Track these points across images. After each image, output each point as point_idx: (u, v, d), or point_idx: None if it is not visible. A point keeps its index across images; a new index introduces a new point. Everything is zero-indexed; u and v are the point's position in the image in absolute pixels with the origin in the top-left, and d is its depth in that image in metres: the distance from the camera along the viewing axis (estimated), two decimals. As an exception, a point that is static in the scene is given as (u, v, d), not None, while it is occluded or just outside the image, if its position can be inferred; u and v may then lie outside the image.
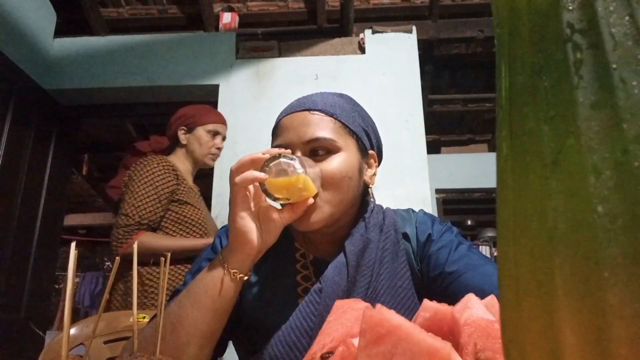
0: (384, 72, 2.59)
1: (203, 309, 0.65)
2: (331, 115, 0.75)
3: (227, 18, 2.82)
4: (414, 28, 2.71)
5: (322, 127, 0.73)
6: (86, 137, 4.35)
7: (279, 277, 0.78)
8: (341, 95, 0.81)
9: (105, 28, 2.92)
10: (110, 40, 2.78)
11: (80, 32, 2.86)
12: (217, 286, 0.65)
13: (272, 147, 0.77)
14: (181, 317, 0.64)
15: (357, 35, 2.74)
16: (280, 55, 2.68)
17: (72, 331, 1.05)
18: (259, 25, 2.95)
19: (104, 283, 7.00)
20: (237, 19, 2.84)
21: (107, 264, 7.71)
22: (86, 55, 2.72)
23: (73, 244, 0.36)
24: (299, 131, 0.73)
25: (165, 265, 0.45)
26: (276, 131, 0.77)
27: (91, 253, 7.70)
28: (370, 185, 0.81)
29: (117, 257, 0.46)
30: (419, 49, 2.69)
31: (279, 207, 0.68)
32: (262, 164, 0.64)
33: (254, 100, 2.54)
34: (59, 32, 2.77)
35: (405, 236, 0.79)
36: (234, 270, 0.66)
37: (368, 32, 2.70)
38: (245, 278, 0.67)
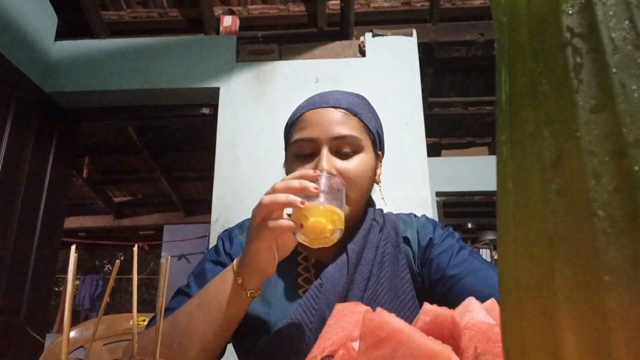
0: (385, 75, 2.59)
1: (215, 325, 0.65)
2: (355, 115, 0.76)
3: (227, 21, 2.83)
4: (414, 31, 2.72)
5: (349, 126, 0.75)
6: (87, 140, 4.36)
7: (281, 279, 0.79)
8: (358, 96, 0.82)
9: (106, 31, 2.92)
10: (111, 43, 2.78)
11: (81, 35, 2.86)
12: (232, 304, 0.65)
13: (295, 140, 0.76)
14: (192, 330, 0.64)
15: (358, 38, 2.74)
16: (280, 58, 2.68)
17: (72, 334, 1.05)
18: (260, 29, 2.95)
19: (104, 286, 6.99)
20: (237, 22, 2.85)
21: (107, 266, 7.71)
22: (87, 58, 2.73)
23: (73, 247, 0.36)
24: (327, 126, 0.74)
25: (166, 269, 0.45)
26: (299, 124, 0.77)
27: (91, 256, 7.69)
28: (379, 185, 0.83)
29: (117, 261, 0.46)
30: (419, 52, 2.69)
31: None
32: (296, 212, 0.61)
33: (254, 103, 2.55)
34: (60, 35, 2.78)
35: (406, 240, 0.80)
36: (251, 291, 0.65)
37: (368, 35, 2.70)
38: (257, 294, 0.67)
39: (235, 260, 0.67)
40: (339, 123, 0.74)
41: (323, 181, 0.63)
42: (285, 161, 0.81)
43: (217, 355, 0.69)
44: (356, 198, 0.73)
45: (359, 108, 0.78)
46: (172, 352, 0.63)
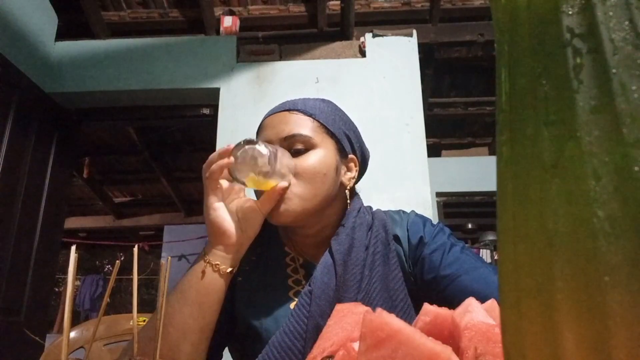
0: (385, 76, 2.59)
1: (190, 304, 0.66)
2: (310, 115, 0.78)
3: (228, 22, 2.83)
4: (414, 32, 2.72)
5: (300, 125, 0.76)
6: (87, 140, 4.36)
7: (271, 282, 0.79)
8: (323, 100, 0.83)
9: (106, 31, 2.92)
10: (112, 44, 2.78)
11: (82, 35, 2.86)
12: (200, 280, 0.67)
13: None
14: (169, 314, 0.65)
15: (358, 38, 2.74)
16: (281, 58, 2.68)
17: (72, 334, 1.05)
18: (260, 29, 2.95)
19: (104, 286, 6.99)
20: (238, 22, 2.85)
21: (107, 267, 7.71)
22: (87, 58, 2.73)
23: (73, 247, 0.36)
24: (278, 129, 0.76)
25: (166, 269, 0.45)
26: (259, 131, 0.81)
27: (91, 256, 7.69)
28: (348, 188, 0.82)
29: (117, 261, 0.46)
30: (420, 52, 2.69)
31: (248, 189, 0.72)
32: (230, 153, 0.68)
33: (254, 103, 2.55)
34: (61, 36, 2.78)
35: (396, 238, 0.79)
36: (216, 263, 0.67)
37: (368, 35, 2.70)
38: (229, 270, 0.69)
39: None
40: (290, 124, 0.76)
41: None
42: None
43: (206, 345, 0.68)
44: (305, 194, 0.73)
45: (316, 110, 0.79)
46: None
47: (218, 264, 0.67)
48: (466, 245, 0.78)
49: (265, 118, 0.81)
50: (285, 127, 0.76)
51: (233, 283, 0.76)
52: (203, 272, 0.67)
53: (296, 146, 0.75)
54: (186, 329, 0.65)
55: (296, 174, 0.73)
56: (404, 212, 0.86)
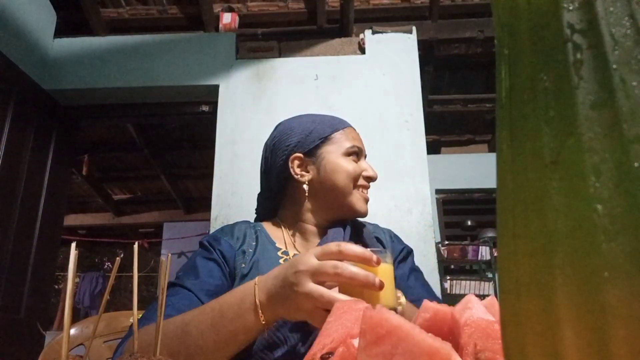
0: (384, 73, 2.59)
1: (227, 349, 0.65)
2: None
3: (227, 18, 2.82)
4: (414, 28, 2.71)
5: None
6: (86, 137, 4.35)
7: (267, 271, 0.82)
8: None
9: (105, 28, 2.92)
10: (110, 41, 2.77)
11: (80, 32, 2.85)
12: (247, 335, 0.64)
13: (352, 145, 0.93)
14: (202, 348, 0.64)
15: (357, 35, 2.74)
16: (280, 55, 2.67)
17: (72, 331, 1.05)
18: (259, 26, 2.94)
19: (103, 283, 7.00)
20: (237, 19, 2.84)
21: (106, 264, 7.71)
22: (86, 55, 2.72)
23: (73, 245, 0.36)
24: (363, 144, 0.97)
25: (166, 266, 0.45)
26: (348, 135, 0.95)
27: (91, 253, 7.69)
28: None
29: (117, 258, 0.46)
30: (419, 49, 2.69)
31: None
32: None
33: (254, 100, 2.54)
34: (59, 32, 2.77)
35: (378, 240, 0.95)
36: (269, 327, 0.65)
37: (368, 32, 2.70)
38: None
39: (259, 295, 0.64)
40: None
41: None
42: (325, 155, 0.92)
43: None
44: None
45: None
46: None
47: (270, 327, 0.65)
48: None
49: (347, 127, 0.97)
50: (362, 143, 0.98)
51: (235, 273, 0.84)
52: (253, 330, 0.63)
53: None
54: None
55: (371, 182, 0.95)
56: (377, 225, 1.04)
